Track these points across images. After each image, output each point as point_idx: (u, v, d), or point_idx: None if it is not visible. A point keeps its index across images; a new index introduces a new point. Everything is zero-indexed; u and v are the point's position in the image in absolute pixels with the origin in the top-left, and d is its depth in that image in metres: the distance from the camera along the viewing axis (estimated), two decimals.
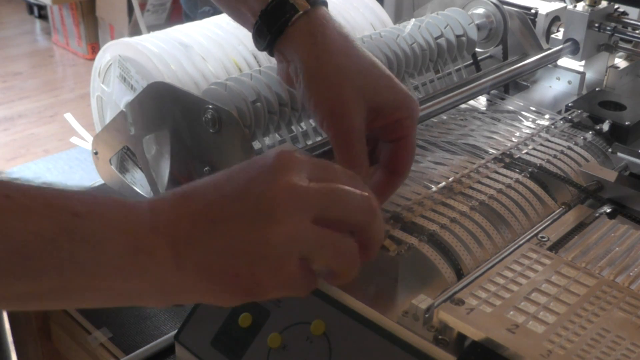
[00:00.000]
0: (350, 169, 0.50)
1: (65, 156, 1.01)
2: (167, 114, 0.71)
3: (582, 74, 0.93)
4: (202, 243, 0.42)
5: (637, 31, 0.94)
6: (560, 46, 0.93)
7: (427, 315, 0.50)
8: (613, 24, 0.93)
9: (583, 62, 0.95)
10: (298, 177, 0.44)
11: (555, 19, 0.97)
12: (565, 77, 0.94)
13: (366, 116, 0.58)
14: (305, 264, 0.45)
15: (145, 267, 0.42)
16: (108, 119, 0.84)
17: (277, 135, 0.71)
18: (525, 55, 0.92)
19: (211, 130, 0.66)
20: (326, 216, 0.44)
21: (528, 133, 0.75)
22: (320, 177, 0.45)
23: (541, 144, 0.73)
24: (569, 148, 0.72)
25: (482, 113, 0.80)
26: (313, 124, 0.74)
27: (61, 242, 0.40)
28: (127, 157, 0.82)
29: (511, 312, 0.50)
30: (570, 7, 0.95)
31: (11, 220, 0.39)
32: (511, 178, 0.66)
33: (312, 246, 0.44)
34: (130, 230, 0.42)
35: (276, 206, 0.42)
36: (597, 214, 0.63)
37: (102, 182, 0.88)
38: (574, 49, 0.93)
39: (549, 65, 0.93)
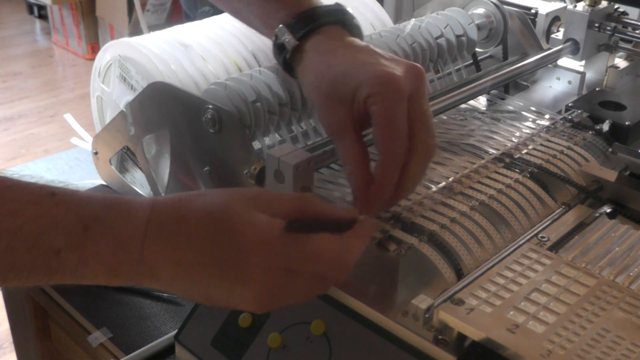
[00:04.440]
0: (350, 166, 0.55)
1: (65, 156, 1.01)
2: (167, 114, 0.71)
3: (582, 74, 0.93)
4: (182, 287, 0.48)
5: (637, 31, 0.94)
6: (560, 46, 0.93)
7: (427, 315, 0.50)
8: (613, 24, 0.93)
9: (583, 62, 0.95)
10: (276, 271, 0.47)
11: (555, 19, 0.97)
12: (565, 77, 0.94)
13: (342, 112, 0.56)
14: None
15: (126, 282, 0.48)
16: (108, 119, 0.84)
17: (277, 135, 0.71)
18: (525, 55, 0.92)
19: (211, 130, 0.66)
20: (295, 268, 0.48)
21: (528, 133, 0.75)
22: (300, 265, 0.48)
23: (541, 144, 0.72)
24: (569, 148, 0.72)
25: (482, 113, 0.80)
26: (313, 124, 0.74)
27: (37, 272, 0.45)
28: (127, 157, 0.82)
29: (511, 312, 0.50)
30: (570, 7, 0.95)
31: None
32: (511, 178, 0.66)
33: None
34: (115, 263, 0.47)
35: (249, 301, 0.47)
36: (597, 214, 0.63)
37: (102, 182, 0.88)
38: (574, 49, 0.93)
39: (549, 65, 0.93)
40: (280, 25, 0.62)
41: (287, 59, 0.62)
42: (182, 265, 0.47)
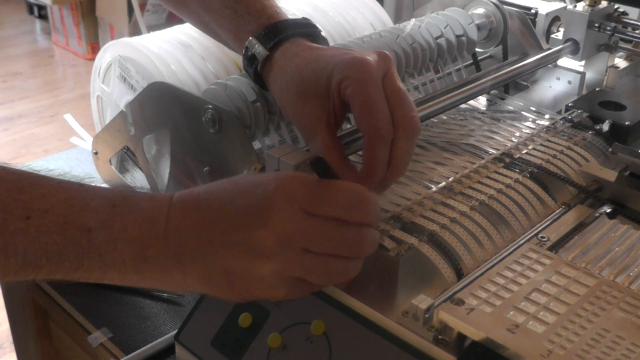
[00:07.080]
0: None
1: (65, 156, 1.01)
2: (167, 114, 0.71)
3: (582, 74, 0.93)
4: (203, 261, 0.49)
5: (637, 31, 0.94)
6: (560, 46, 0.93)
7: (427, 315, 0.50)
8: (613, 24, 0.93)
9: (583, 62, 0.95)
10: (295, 212, 0.48)
11: (555, 19, 0.97)
12: (565, 77, 0.94)
13: (316, 108, 0.57)
14: (295, 282, 0.49)
15: (151, 272, 0.49)
16: (108, 119, 0.84)
17: (277, 135, 0.71)
18: (525, 55, 0.92)
19: (211, 130, 0.66)
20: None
21: (528, 133, 0.75)
22: (319, 206, 0.48)
23: (541, 144, 0.73)
24: (569, 148, 0.72)
25: (482, 113, 0.80)
26: None
27: (68, 255, 0.47)
28: (127, 157, 0.82)
29: (511, 312, 0.50)
30: (570, 7, 0.95)
31: (26, 240, 0.45)
32: (511, 178, 0.66)
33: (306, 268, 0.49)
34: (141, 241, 0.48)
35: (269, 249, 0.48)
36: (597, 214, 0.63)
37: (102, 182, 0.88)
38: (574, 49, 0.93)
39: (549, 65, 0.93)
40: (250, 38, 0.63)
41: (258, 70, 0.63)
42: (204, 226, 0.48)
